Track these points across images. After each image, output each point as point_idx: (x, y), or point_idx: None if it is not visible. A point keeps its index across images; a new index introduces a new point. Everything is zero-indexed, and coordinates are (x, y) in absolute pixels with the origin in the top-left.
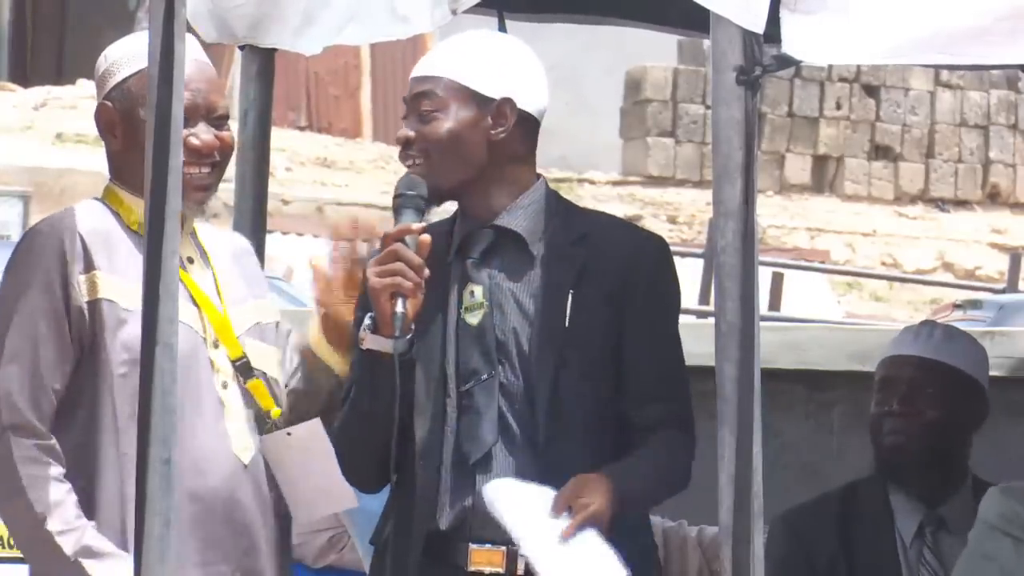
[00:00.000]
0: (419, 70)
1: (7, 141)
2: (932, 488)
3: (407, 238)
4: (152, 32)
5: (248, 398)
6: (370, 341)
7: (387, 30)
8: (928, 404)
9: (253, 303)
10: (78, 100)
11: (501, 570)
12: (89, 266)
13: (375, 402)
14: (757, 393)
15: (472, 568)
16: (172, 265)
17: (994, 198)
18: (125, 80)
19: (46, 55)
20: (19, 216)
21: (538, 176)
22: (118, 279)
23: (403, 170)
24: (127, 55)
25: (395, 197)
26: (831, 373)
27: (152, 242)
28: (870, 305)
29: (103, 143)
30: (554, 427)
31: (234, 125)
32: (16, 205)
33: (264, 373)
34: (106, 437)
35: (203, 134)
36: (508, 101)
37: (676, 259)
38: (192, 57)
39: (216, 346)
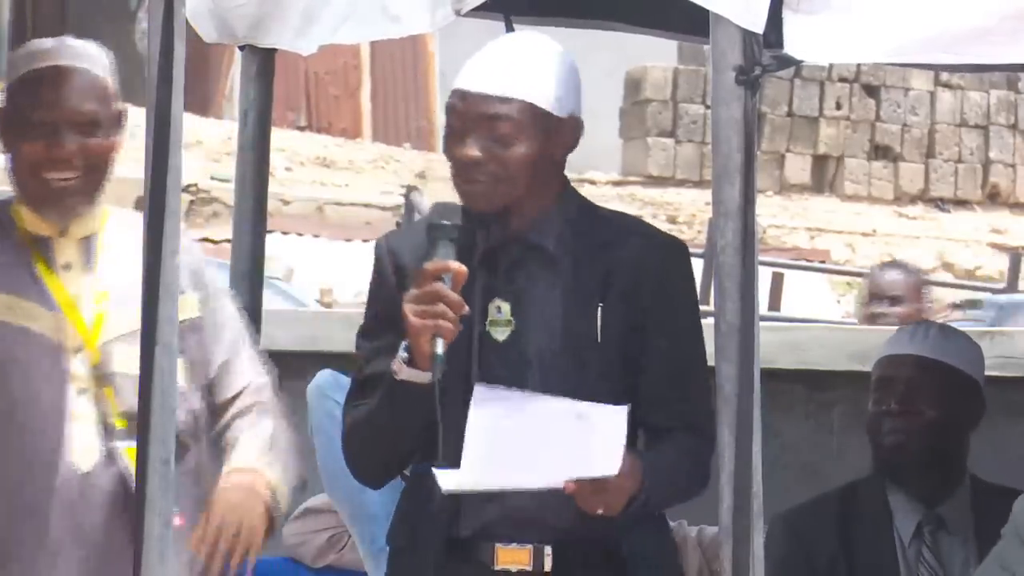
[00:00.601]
0: (490, 87)
1: None
2: (932, 488)
3: (444, 275)
4: (151, 32)
5: (105, 405)
6: (406, 373)
7: (380, 29)
8: (927, 403)
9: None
10: None
11: (528, 568)
12: None
13: (395, 421)
14: (757, 393)
15: (499, 567)
16: (172, 265)
17: (994, 198)
18: (10, 86)
19: None
20: None
21: (566, 180)
22: None
23: (404, 170)
24: (11, 62)
25: (430, 227)
26: (831, 373)
27: (151, 242)
28: None
29: None
30: None
31: (234, 125)
32: None
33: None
34: None
35: (66, 141)
36: (574, 119)
37: None
38: (69, 63)
39: (77, 352)
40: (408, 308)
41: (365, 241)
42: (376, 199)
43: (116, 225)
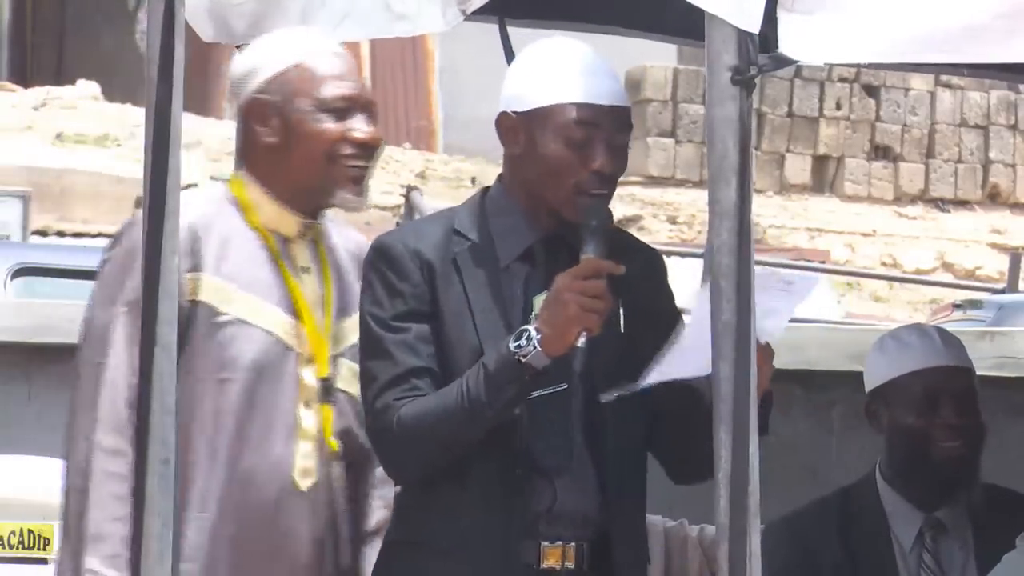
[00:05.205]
0: (617, 98)
1: (7, 141)
2: (941, 495)
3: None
4: (151, 32)
5: (323, 422)
6: (535, 357)
7: (385, 28)
8: (977, 413)
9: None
10: (78, 100)
11: (572, 565)
12: (196, 265)
13: (503, 413)
14: (753, 392)
15: (545, 566)
16: (172, 265)
17: (994, 198)
18: (281, 74)
19: (46, 55)
20: (18, 216)
21: None
22: (223, 282)
23: (404, 170)
24: (276, 51)
25: (584, 226)
26: (831, 373)
27: (151, 242)
28: (870, 305)
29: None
30: (621, 431)
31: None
32: (16, 205)
33: (350, 395)
34: (195, 448)
35: (365, 126)
36: None
37: (676, 259)
38: (333, 51)
39: (310, 362)
40: (573, 298)
41: None
42: (376, 199)
43: (328, 229)
